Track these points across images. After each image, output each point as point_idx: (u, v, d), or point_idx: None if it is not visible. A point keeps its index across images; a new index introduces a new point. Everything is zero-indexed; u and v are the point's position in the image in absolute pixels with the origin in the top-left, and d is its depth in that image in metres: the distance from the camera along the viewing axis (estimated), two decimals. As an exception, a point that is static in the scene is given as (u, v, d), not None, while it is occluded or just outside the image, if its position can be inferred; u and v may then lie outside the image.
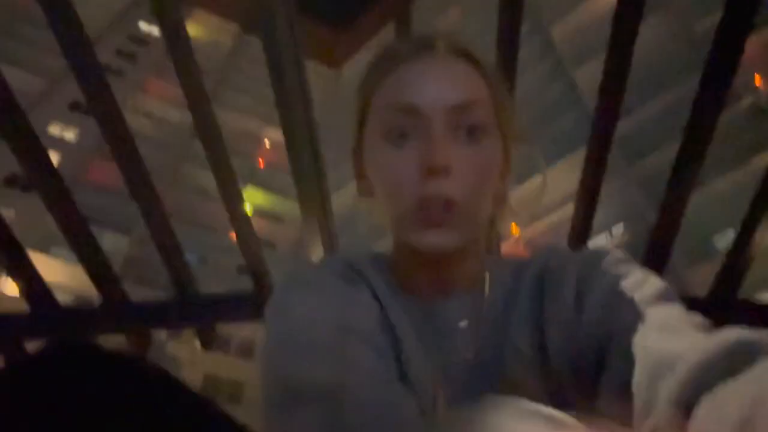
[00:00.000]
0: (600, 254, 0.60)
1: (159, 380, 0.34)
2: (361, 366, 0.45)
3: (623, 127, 16.58)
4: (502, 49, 1.40)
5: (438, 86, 0.58)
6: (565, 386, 0.55)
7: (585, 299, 0.55)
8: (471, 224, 0.58)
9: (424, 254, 0.58)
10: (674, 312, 0.49)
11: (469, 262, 0.62)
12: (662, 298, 0.51)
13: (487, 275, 0.63)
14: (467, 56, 0.61)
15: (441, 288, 0.62)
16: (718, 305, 1.72)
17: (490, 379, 0.58)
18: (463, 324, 0.60)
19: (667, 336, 0.45)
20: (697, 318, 0.48)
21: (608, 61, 1.39)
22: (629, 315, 0.50)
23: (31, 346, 1.83)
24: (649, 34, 16.34)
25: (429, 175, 0.55)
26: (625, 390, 0.46)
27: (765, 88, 14.56)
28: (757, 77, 14.86)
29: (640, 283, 0.54)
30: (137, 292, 1.98)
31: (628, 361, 0.46)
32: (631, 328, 0.49)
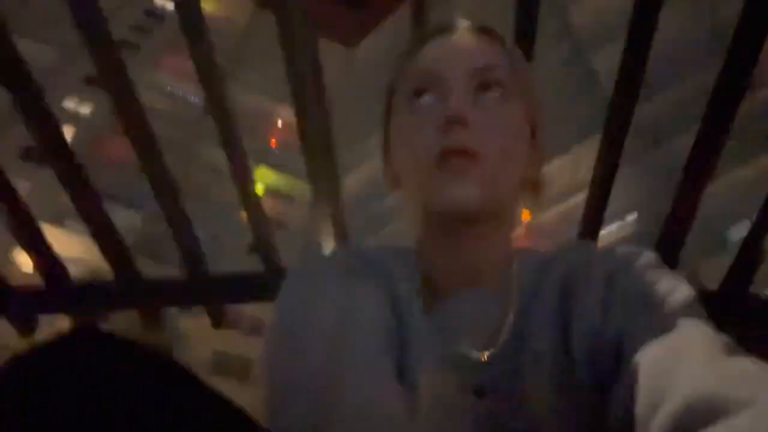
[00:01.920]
0: (630, 256, 0.58)
1: (174, 374, 0.34)
2: (356, 363, 0.45)
3: (640, 114, 16.34)
4: (520, 31, 1.37)
5: (458, 52, 0.60)
6: (585, 395, 0.53)
7: (610, 303, 0.54)
8: (496, 185, 0.57)
9: (448, 220, 0.57)
10: (694, 331, 0.47)
11: (495, 246, 0.60)
12: (685, 312, 0.49)
13: (515, 268, 0.62)
14: (486, 32, 0.63)
15: (466, 277, 0.60)
16: (730, 300, 1.70)
17: (506, 381, 0.57)
18: (485, 317, 0.59)
19: (673, 360, 0.43)
20: (716, 338, 0.46)
21: (627, 47, 1.36)
22: (646, 327, 0.49)
23: (45, 320, 1.86)
24: (672, 18, 16.05)
25: (447, 126, 0.56)
26: (627, 405, 0.44)
27: (787, 78, 14.25)
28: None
29: (666, 294, 0.52)
30: (150, 268, 2.00)
31: (632, 378, 0.45)
32: (644, 341, 0.47)
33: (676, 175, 1.62)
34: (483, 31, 0.63)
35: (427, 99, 0.59)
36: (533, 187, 0.64)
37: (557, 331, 0.56)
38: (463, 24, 0.64)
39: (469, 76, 0.58)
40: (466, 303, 0.59)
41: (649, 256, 0.58)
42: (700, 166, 1.51)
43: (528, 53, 1.37)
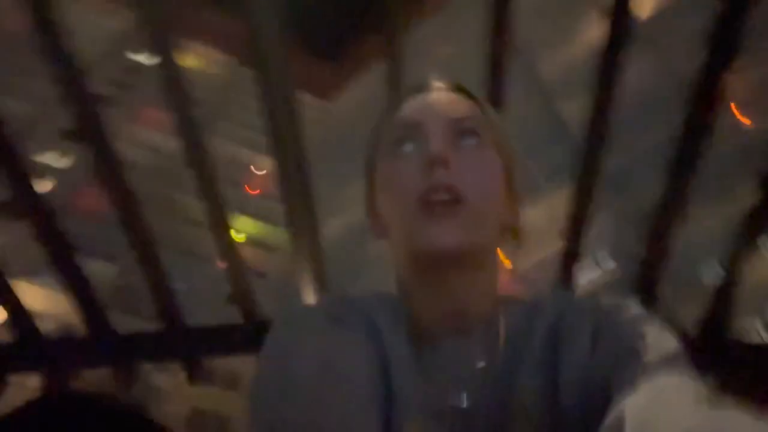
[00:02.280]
0: (616, 307, 0.59)
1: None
2: (338, 411, 0.45)
3: (613, 161, 16.80)
4: (491, 84, 1.42)
5: (435, 106, 0.65)
6: None
7: (597, 354, 0.54)
8: (477, 228, 0.58)
9: (432, 262, 0.58)
10: (677, 382, 0.48)
11: (480, 292, 0.61)
12: (670, 363, 0.50)
13: (502, 316, 0.62)
14: (460, 89, 0.68)
15: (452, 323, 0.60)
16: (707, 345, 1.71)
17: (493, 424, 0.57)
18: (473, 365, 0.59)
19: (657, 410, 0.44)
20: (698, 389, 0.47)
21: (594, 97, 1.41)
22: (632, 378, 0.49)
23: (15, 378, 1.79)
24: (639, 73, 16.75)
25: (430, 166, 0.59)
26: None
27: (752, 126, 14.87)
28: (741, 116, 15.20)
29: (651, 345, 0.52)
30: (125, 322, 1.96)
31: (619, 427, 0.45)
32: (630, 392, 0.47)
33: (649, 222, 1.66)
34: (457, 88, 0.68)
35: (408, 146, 0.62)
36: (513, 234, 0.66)
37: (544, 382, 0.56)
38: (439, 82, 0.69)
39: (447, 126, 0.62)
40: (452, 352, 0.59)
41: (635, 307, 0.59)
42: (669, 211, 1.55)
43: (499, 105, 1.42)
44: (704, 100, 1.37)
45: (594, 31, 20.15)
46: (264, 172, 28.96)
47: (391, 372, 0.58)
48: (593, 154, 1.50)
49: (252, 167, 29.18)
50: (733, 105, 14.73)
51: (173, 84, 1.35)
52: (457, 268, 0.58)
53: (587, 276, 16.10)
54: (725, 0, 1.25)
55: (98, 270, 19.37)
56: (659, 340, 0.53)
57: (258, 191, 28.25)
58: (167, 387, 18.38)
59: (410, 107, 0.66)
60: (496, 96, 1.40)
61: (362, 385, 0.51)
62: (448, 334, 0.60)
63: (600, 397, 0.50)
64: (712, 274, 13.86)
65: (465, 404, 0.58)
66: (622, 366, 0.51)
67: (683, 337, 1.76)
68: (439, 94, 0.67)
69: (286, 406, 0.46)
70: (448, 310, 0.60)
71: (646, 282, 1.71)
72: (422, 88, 0.68)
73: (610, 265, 16.16)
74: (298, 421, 0.44)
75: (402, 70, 1.42)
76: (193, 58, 33.20)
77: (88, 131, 1.41)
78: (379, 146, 0.67)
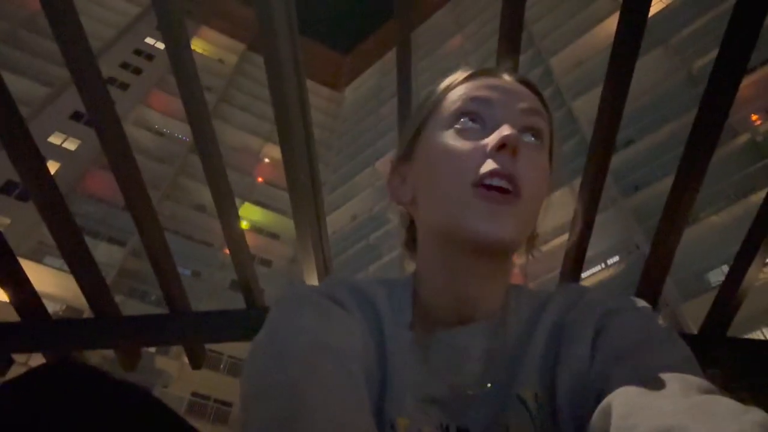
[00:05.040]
0: (625, 305, 0.57)
1: (149, 407, 0.33)
2: (326, 385, 0.45)
3: (622, 159, 16.73)
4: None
5: (508, 90, 0.62)
6: None
7: (598, 351, 0.53)
8: (525, 225, 0.57)
9: (471, 250, 0.56)
10: (674, 374, 0.46)
11: (498, 282, 0.60)
12: (671, 365, 0.48)
13: (511, 305, 0.61)
14: (527, 81, 0.66)
15: (464, 310, 0.59)
16: (709, 343, 1.71)
17: (491, 422, 0.56)
18: (475, 354, 0.58)
19: (647, 398, 0.43)
20: (694, 379, 0.45)
21: (605, 92, 1.40)
22: (629, 374, 0.48)
23: (21, 357, 1.81)
24: (650, 69, 16.61)
25: (500, 149, 0.55)
26: None
27: (761, 125, 14.72)
28: (753, 115, 15.05)
29: (652, 347, 0.51)
30: (130, 305, 1.97)
31: (606, 416, 0.44)
32: (622, 384, 0.46)
33: (655, 220, 1.65)
34: (524, 80, 0.66)
35: (472, 124, 0.59)
36: (530, 235, 0.65)
37: (544, 375, 0.56)
38: (507, 70, 0.66)
39: (517, 113, 0.60)
40: (455, 341, 0.59)
41: (642, 308, 0.57)
42: (677, 210, 1.55)
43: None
44: (716, 98, 1.36)
45: (609, 26, 19.96)
46: (268, 161, 28.98)
47: (388, 359, 0.58)
48: (602, 149, 1.49)
49: (259, 155, 29.21)
50: (743, 103, 14.58)
51: (183, 69, 1.35)
52: (490, 259, 0.57)
53: (592, 270, 16.07)
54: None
55: (105, 253, 19.51)
56: (664, 343, 0.52)
57: (265, 179, 28.29)
58: (170, 371, 18.54)
59: (482, 85, 0.62)
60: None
61: (355, 364, 0.50)
62: (453, 323, 0.60)
63: (594, 393, 0.50)
64: (718, 274, 13.80)
65: (465, 393, 0.58)
66: (621, 364, 0.50)
67: (685, 335, 1.77)
68: (509, 80, 0.64)
69: (277, 371, 0.46)
70: (462, 296, 0.59)
71: (650, 279, 1.70)
72: (491, 72, 0.65)
73: (615, 260, 16.11)
74: (286, 386, 0.44)
75: (411, 61, 1.42)
76: (204, 44, 33.16)
77: (98, 114, 1.41)
78: (433, 114, 0.63)
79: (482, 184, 0.55)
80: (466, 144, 0.58)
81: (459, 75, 0.66)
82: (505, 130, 0.56)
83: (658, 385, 0.45)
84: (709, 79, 1.35)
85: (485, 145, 0.57)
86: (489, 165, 0.55)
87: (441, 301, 0.60)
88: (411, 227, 0.68)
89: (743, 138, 14.48)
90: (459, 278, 0.59)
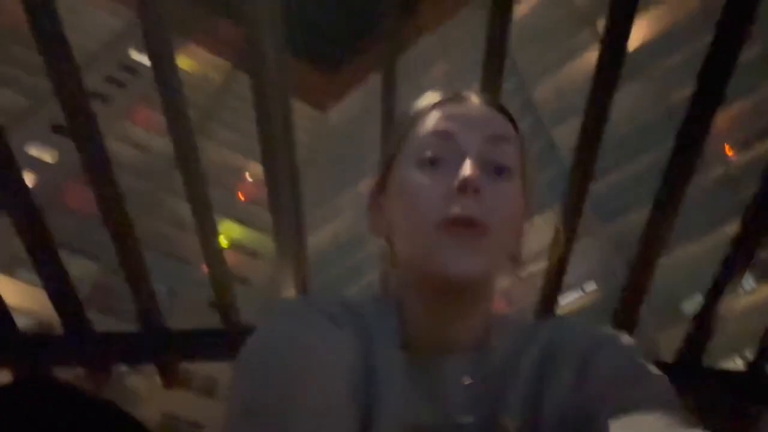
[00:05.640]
0: (608, 339, 0.58)
1: (123, 426, 0.32)
2: (313, 408, 0.44)
3: (601, 187, 17.01)
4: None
5: (474, 119, 0.61)
6: None
7: (584, 385, 0.54)
8: (495, 258, 0.57)
9: (443, 286, 0.56)
10: (656, 408, 0.47)
11: (478, 314, 0.60)
12: (656, 400, 0.49)
13: (494, 335, 0.61)
14: (495, 104, 0.65)
15: (447, 340, 0.59)
16: (684, 372, 1.73)
17: None
18: (461, 382, 0.58)
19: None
20: (676, 413, 0.47)
21: (585, 122, 1.43)
22: (614, 408, 0.48)
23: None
24: (629, 100, 17.00)
25: (460, 191, 0.55)
26: None
27: (735, 158, 15.12)
28: (726, 147, 15.47)
29: (637, 381, 0.52)
30: (103, 321, 1.93)
31: None
32: (608, 419, 0.47)
33: (633, 248, 1.68)
34: (492, 103, 0.64)
35: (435, 158, 0.59)
36: (513, 259, 0.64)
37: (529, 406, 0.56)
38: (474, 94, 0.65)
39: (482, 143, 0.59)
40: (440, 367, 0.58)
41: (625, 342, 0.58)
42: (654, 238, 1.57)
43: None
44: (693, 130, 1.40)
45: (590, 58, 20.44)
46: (251, 179, 28.88)
47: (377, 379, 0.57)
48: (581, 177, 1.51)
49: (241, 172, 29.09)
50: (718, 136, 14.98)
51: (168, 84, 1.35)
52: (465, 295, 0.57)
53: (569, 297, 16.17)
54: (720, 33, 1.28)
55: (79, 267, 19.11)
56: (642, 378, 0.52)
57: (246, 197, 28.13)
58: (142, 390, 18.09)
59: (443, 115, 0.61)
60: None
61: (343, 382, 0.50)
62: (441, 349, 0.59)
63: (579, 426, 0.50)
64: (693, 303, 13.98)
65: (451, 420, 0.57)
66: (606, 399, 0.50)
67: (660, 363, 1.78)
68: (475, 105, 0.63)
69: (264, 389, 0.45)
70: (445, 328, 0.59)
71: (627, 307, 1.72)
72: (457, 97, 0.64)
73: (592, 287, 16.25)
74: (272, 407, 0.43)
75: (396, 83, 1.43)
76: (189, 60, 33.17)
77: (79, 126, 1.40)
78: (400, 147, 0.63)
79: (447, 225, 0.55)
80: (432, 184, 0.57)
81: (426, 101, 0.65)
82: (466, 170, 0.55)
83: (642, 419, 0.45)
84: (685, 112, 1.39)
85: (448, 185, 0.56)
86: (451, 209, 0.55)
87: (423, 329, 0.60)
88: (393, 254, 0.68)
89: (718, 170, 14.85)
90: (436, 310, 0.59)
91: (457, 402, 0.58)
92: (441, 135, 0.59)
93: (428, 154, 0.59)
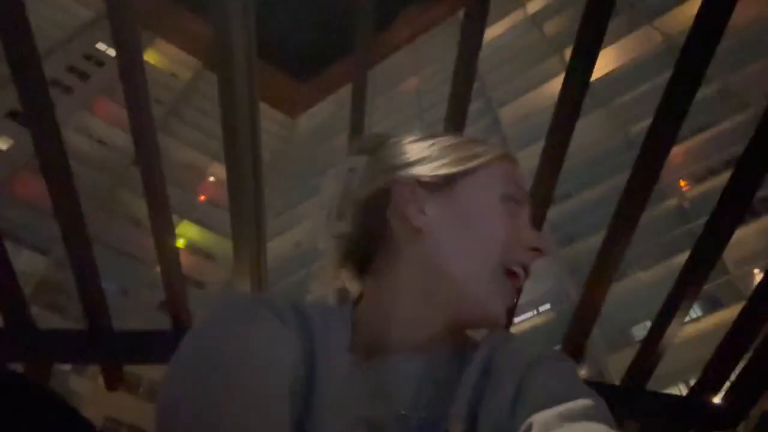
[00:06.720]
0: (549, 358, 0.60)
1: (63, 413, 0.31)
2: (247, 403, 0.44)
3: (559, 212, 17.42)
4: (451, 121, 1.45)
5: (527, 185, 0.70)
6: None
7: (519, 402, 0.54)
8: None
9: (466, 318, 0.61)
10: (591, 428, 0.48)
11: (438, 320, 0.63)
12: (585, 416, 0.50)
13: (448, 340, 0.63)
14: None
15: (401, 347, 0.61)
16: (628, 395, 1.77)
17: None
18: (412, 382, 0.59)
19: None
20: None
21: (547, 146, 1.47)
22: (548, 425, 0.49)
23: None
24: (590, 129, 17.52)
25: (536, 252, 0.64)
26: None
27: (689, 191, 15.73)
28: (681, 181, 16.08)
29: (568, 396, 0.53)
30: (47, 318, 1.86)
31: None
32: None
33: (586, 271, 1.72)
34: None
35: (516, 209, 0.65)
36: None
37: (470, 416, 0.57)
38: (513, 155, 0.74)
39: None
40: (396, 367, 0.59)
41: (566, 360, 0.60)
42: (607, 263, 1.61)
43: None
44: (649, 161, 1.44)
45: (555, 85, 20.99)
46: (213, 179, 28.44)
47: (316, 380, 0.57)
48: (541, 202, 1.54)
49: (204, 173, 28.60)
50: (674, 168, 15.56)
51: (132, 78, 1.32)
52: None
53: (524, 316, 16.43)
54: (678, 70, 1.33)
55: (25, 260, 18.38)
56: (573, 393, 0.53)
57: (206, 197, 27.65)
58: (83, 391, 17.44)
59: (521, 177, 0.68)
60: (456, 132, 1.43)
61: (282, 379, 0.50)
62: (390, 352, 0.60)
63: None
64: (642, 329, 14.39)
65: (395, 423, 0.57)
66: (540, 415, 0.51)
67: (607, 385, 1.82)
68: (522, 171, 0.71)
69: (197, 382, 0.45)
70: (408, 339, 0.61)
71: (578, 329, 1.75)
72: (512, 157, 0.70)
73: (546, 308, 16.56)
74: (203, 401, 0.43)
75: (366, 94, 1.44)
76: (158, 56, 32.55)
77: (36, 115, 1.35)
78: (482, 170, 0.66)
79: (512, 272, 0.62)
80: (511, 226, 0.63)
81: (499, 150, 0.69)
82: (544, 242, 0.65)
83: None
84: (643, 144, 1.44)
85: (522, 235, 0.64)
86: (524, 257, 0.63)
87: (383, 337, 0.61)
88: (378, 246, 0.66)
89: (672, 202, 15.40)
90: (419, 316, 0.61)
91: (407, 398, 0.58)
92: (521, 191, 0.66)
93: (513, 200, 0.65)
